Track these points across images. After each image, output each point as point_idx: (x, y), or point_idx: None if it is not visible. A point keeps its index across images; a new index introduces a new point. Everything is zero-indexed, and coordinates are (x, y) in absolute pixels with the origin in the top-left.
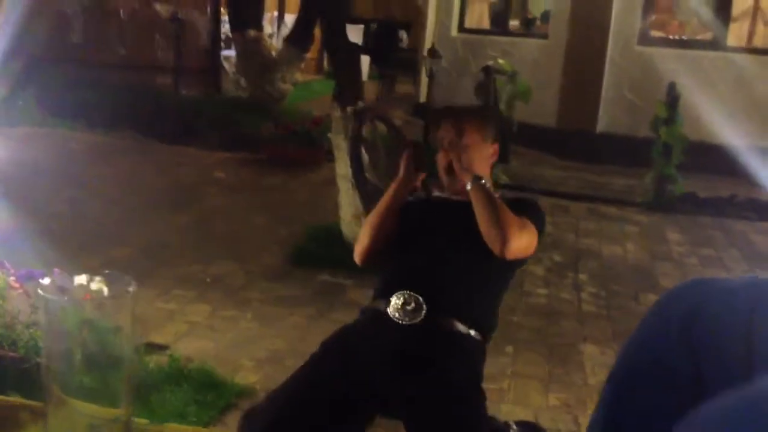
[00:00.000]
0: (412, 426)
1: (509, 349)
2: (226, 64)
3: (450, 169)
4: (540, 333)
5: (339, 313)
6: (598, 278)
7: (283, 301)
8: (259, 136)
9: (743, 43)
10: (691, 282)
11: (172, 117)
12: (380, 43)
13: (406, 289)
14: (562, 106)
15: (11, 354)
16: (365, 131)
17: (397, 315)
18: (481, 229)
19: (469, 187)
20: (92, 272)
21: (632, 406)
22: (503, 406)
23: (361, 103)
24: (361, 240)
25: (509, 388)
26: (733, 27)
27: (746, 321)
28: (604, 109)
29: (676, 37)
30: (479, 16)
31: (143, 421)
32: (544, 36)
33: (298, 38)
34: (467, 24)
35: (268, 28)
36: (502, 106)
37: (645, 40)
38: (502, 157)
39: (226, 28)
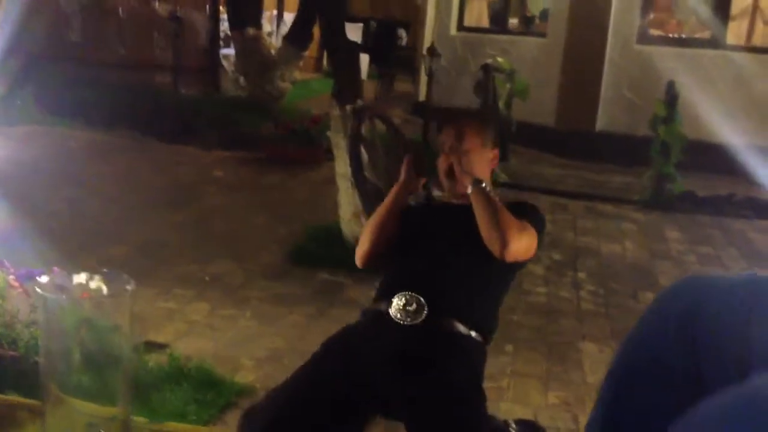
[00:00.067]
0: (413, 426)
1: (509, 347)
2: (225, 63)
3: (451, 173)
4: (539, 331)
5: (338, 311)
6: (597, 276)
7: (283, 299)
8: (258, 134)
9: (742, 42)
10: (689, 279)
11: (171, 116)
12: (379, 42)
13: (408, 291)
14: (561, 104)
15: (11, 353)
16: (364, 130)
17: (398, 316)
18: (482, 231)
19: (469, 190)
20: (91, 271)
21: (630, 404)
22: (502, 405)
23: (360, 102)
24: (362, 243)
25: (509, 386)
26: (732, 25)
27: (745, 320)
28: (603, 108)
29: (675, 36)
30: (478, 14)
31: (143, 420)
32: (543, 35)
33: (297, 37)
34: (466, 22)
35: (267, 26)
36: (501, 105)
37: (644, 38)
38: (501, 156)
39: (225, 26)
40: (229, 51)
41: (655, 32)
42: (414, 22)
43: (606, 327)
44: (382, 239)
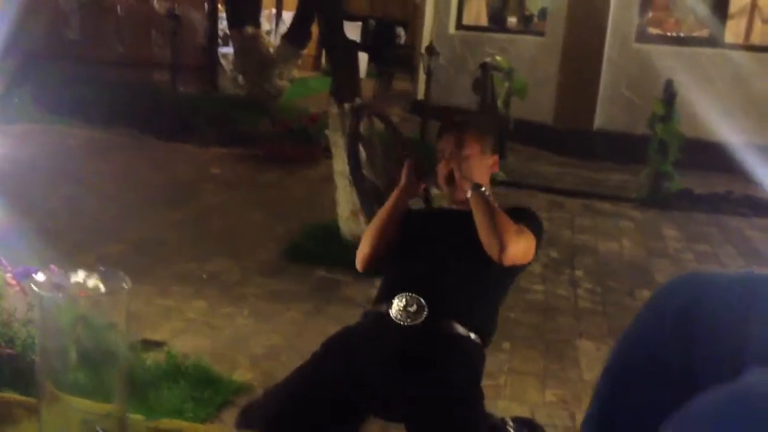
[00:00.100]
0: (413, 426)
1: (506, 345)
2: (223, 61)
3: (451, 179)
4: (536, 329)
5: (335, 308)
6: (594, 274)
7: (280, 297)
8: (256, 132)
9: (740, 40)
10: (686, 276)
11: (169, 114)
12: (378, 41)
13: (408, 293)
14: (559, 103)
15: (8, 351)
16: (362, 128)
17: (398, 316)
18: (480, 235)
19: (469, 194)
20: (88, 269)
21: (627, 401)
22: (500, 403)
23: (358, 100)
24: (362, 247)
25: (506, 384)
26: (731, 24)
27: (742, 317)
28: (601, 106)
29: (674, 35)
30: (477, 13)
31: (140, 417)
32: (542, 33)
33: (296, 35)
34: (465, 21)
35: (265, 25)
36: (500, 103)
37: (642, 37)
38: (500, 154)
39: (223, 25)
40: (228, 49)
41: (653, 31)
42: (412, 20)
43: (603, 325)
44: (382, 243)
